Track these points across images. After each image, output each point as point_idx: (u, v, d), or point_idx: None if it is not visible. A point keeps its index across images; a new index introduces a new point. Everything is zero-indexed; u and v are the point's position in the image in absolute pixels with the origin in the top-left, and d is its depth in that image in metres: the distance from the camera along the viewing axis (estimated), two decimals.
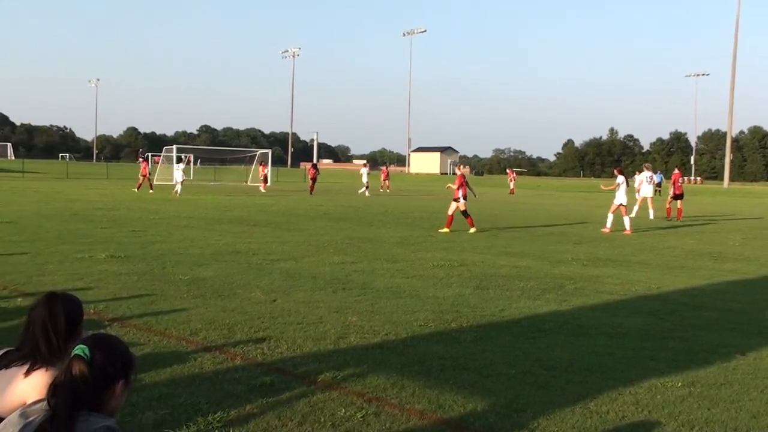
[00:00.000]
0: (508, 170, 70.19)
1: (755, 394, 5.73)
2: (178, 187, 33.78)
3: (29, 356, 2.88)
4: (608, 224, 20.70)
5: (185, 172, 38.35)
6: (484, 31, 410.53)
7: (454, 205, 19.49)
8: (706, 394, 5.69)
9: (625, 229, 20.22)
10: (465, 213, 19.35)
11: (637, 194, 27.43)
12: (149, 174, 38.00)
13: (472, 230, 18.88)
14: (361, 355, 6.47)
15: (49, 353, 2.85)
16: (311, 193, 39.62)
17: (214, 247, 13.71)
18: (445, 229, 18.76)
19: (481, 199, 29.60)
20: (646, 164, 29.41)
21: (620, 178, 21.03)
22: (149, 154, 54.99)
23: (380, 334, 7.27)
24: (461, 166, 21.91)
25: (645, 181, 27.57)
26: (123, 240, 14.45)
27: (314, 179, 41.41)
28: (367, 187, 43.38)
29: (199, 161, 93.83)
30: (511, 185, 57.99)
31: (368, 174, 44.94)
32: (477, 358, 6.50)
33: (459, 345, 6.94)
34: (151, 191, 36.05)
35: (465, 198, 19.48)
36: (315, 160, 75.33)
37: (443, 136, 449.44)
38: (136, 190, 36.59)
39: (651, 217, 26.46)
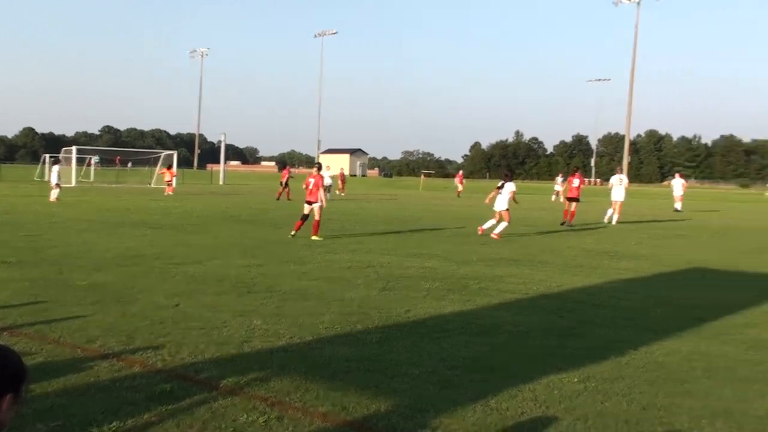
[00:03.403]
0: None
1: (645, 387, 5.99)
2: (54, 192, 29.80)
3: None
4: (497, 229, 19.96)
5: (62, 174, 32.90)
6: (393, 33, 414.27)
7: (317, 207, 17.37)
8: (601, 388, 5.91)
9: (480, 226, 19.61)
10: (307, 216, 17.42)
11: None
12: None
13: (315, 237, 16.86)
14: (266, 358, 6.40)
15: None
16: (288, 198, 35.95)
17: (115, 251, 13.27)
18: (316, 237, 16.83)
19: (395, 200, 29.64)
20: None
21: (501, 183, 20.26)
22: (47, 155, 52.53)
23: (285, 337, 7.21)
24: (317, 167, 18.69)
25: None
26: (16, 244, 13.79)
27: (287, 183, 37.48)
28: (328, 190, 41.27)
29: (130, 163, 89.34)
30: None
31: (330, 177, 42.82)
32: (382, 359, 6.53)
33: (365, 346, 6.96)
34: None
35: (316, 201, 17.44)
36: (223, 162, 73.02)
37: (353, 138, 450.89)
38: None
39: (614, 221, 25.78)
